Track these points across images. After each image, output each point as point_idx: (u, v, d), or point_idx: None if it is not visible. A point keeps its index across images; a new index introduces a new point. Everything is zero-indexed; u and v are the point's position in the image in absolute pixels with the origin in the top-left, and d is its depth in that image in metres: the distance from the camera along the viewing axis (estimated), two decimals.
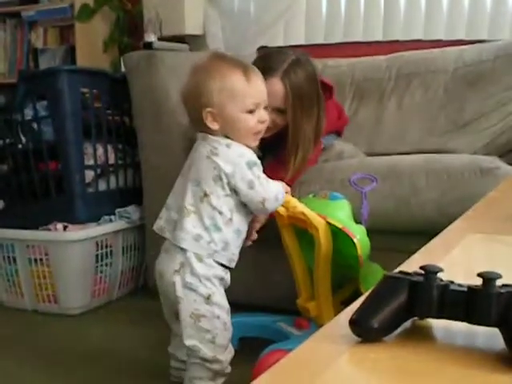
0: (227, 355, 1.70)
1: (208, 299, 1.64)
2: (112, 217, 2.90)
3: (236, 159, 1.63)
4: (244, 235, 1.73)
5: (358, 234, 1.89)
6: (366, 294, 0.76)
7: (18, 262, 2.82)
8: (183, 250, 1.63)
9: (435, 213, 2.20)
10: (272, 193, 1.68)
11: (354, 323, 0.71)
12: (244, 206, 1.68)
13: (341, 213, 1.96)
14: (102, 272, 2.85)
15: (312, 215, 1.89)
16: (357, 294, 1.93)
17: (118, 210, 2.93)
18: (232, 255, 1.69)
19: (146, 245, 2.94)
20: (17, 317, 2.78)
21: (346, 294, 2.09)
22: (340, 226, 1.88)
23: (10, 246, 2.83)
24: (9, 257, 2.84)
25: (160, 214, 1.73)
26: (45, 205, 2.87)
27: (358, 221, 2.00)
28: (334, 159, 2.57)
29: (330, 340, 0.73)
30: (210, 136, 1.66)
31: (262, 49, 3.39)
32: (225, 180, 1.62)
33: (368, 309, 0.72)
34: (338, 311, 2.03)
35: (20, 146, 2.91)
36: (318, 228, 1.87)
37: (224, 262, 1.67)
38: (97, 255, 2.80)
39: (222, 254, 1.65)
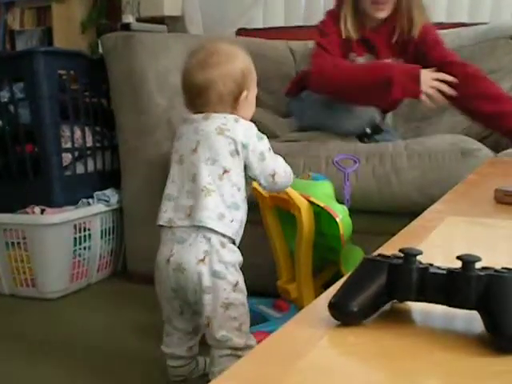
0: (254, 341, 1.66)
1: (235, 286, 1.60)
2: (90, 200, 2.88)
3: (247, 131, 1.62)
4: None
5: (341, 214, 1.88)
6: (345, 277, 0.76)
7: None
8: (206, 238, 1.57)
9: (416, 192, 2.21)
10: (281, 166, 1.68)
11: (332, 306, 0.71)
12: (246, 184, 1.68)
13: (323, 193, 1.96)
14: (80, 255, 2.83)
15: (295, 195, 1.88)
16: (338, 277, 1.94)
17: (96, 193, 2.91)
18: (241, 234, 1.66)
19: (124, 228, 2.93)
20: None
21: (327, 277, 2.09)
22: (322, 205, 1.87)
23: None
24: None
25: (162, 208, 1.66)
26: (22, 188, 2.84)
27: (340, 201, 2.00)
28: None
29: (309, 323, 0.73)
30: (213, 114, 1.64)
31: (241, 31, 3.39)
32: (241, 154, 1.60)
33: (347, 292, 0.72)
34: (318, 294, 2.03)
35: None
36: (301, 208, 1.86)
37: (237, 242, 1.65)
38: (75, 238, 2.78)
39: (238, 234, 1.64)
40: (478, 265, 0.69)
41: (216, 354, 1.63)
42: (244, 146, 1.60)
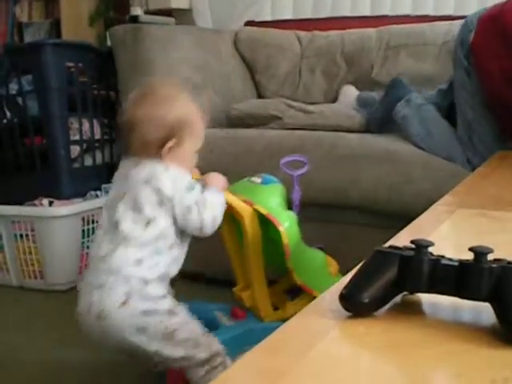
0: (217, 344, 1.61)
1: (170, 312, 1.54)
2: (98, 192, 2.89)
3: (175, 183, 1.53)
4: (180, 265, 1.61)
5: (287, 222, 1.80)
6: (356, 268, 0.76)
7: (3, 238, 2.80)
8: (125, 280, 1.50)
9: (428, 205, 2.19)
10: (209, 217, 1.57)
11: (343, 298, 0.71)
12: (184, 236, 1.59)
13: (271, 198, 1.85)
14: (88, 248, 2.83)
15: (236, 202, 1.79)
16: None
17: (104, 186, 2.91)
18: (172, 271, 1.57)
19: None
20: (2, 293, 2.77)
21: (290, 282, 1.96)
22: (265, 212, 1.79)
23: None
24: None
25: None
26: (30, 180, 2.85)
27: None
28: None
29: (320, 315, 0.73)
30: (144, 161, 1.54)
31: (249, 23, 3.38)
32: (168, 205, 1.52)
33: (358, 283, 0.72)
34: (281, 300, 2.00)
35: (5, 120, 2.88)
36: (243, 215, 1.78)
37: (160, 292, 1.54)
38: (83, 231, 2.79)
39: (167, 272, 1.55)
40: (490, 257, 0.69)
41: (194, 378, 1.58)
42: (169, 199, 1.52)
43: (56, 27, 3.81)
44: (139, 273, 1.50)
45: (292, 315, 1.98)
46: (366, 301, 0.70)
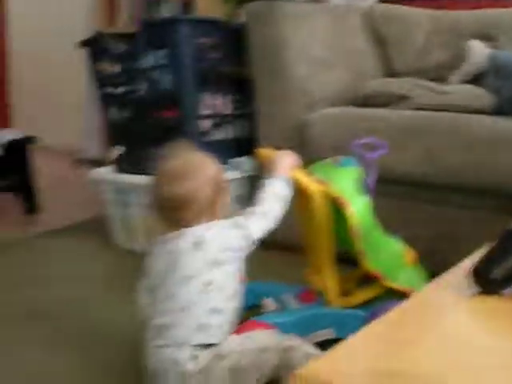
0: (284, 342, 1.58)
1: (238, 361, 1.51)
2: (225, 166, 2.93)
3: (221, 235, 1.60)
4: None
5: (357, 205, 1.77)
6: (489, 246, 0.75)
7: (133, 207, 2.90)
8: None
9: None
10: (261, 229, 1.65)
11: (476, 273, 0.70)
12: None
13: (346, 180, 1.81)
14: None
15: (306, 182, 1.77)
16: None
17: (230, 161, 2.96)
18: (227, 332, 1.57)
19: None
20: (129, 258, 2.87)
21: (363, 269, 1.91)
22: (335, 195, 1.76)
23: (128, 191, 2.92)
24: (127, 201, 2.93)
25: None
26: (162, 152, 2.92)
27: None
28: None
29: (447, 290, 0.73)
30: (186, 230, 1.59)
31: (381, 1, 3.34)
32: (228, 256, 1.57)
33: (491, 260, 0.71)
34: (353, 287, 1.93)
35: (139, 93, 2.97)
36: (312, 195, 1.76)
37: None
38: None
39: (221, 334, 1.54)
40: None
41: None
42: (226, 249, 1.58)
43: (189, 3, 3.88)
44: (204, 339, 1.51)
45: (360, 303, 1.87)
46: (498, 278, 0.69)
